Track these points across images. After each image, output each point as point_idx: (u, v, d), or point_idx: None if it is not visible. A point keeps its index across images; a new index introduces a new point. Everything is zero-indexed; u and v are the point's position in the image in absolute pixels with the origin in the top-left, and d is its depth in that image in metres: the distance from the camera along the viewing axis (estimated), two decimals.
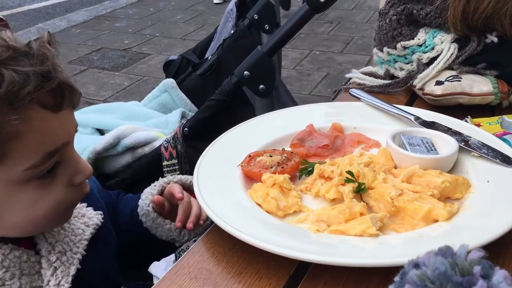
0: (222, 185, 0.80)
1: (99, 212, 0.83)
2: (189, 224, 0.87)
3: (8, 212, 0.66)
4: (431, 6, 1.10)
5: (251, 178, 0.82)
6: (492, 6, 0.97)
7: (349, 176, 0.75)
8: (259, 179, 0.80)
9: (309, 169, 0.83)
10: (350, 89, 1.08)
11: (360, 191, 0.74)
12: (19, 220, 0.67)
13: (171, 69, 2.10)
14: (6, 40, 0.62)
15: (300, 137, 0.90)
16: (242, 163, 0.84)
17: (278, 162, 0.83)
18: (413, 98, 1.16)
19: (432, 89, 1.03)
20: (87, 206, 0.83)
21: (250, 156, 0.85)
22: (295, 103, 1.79)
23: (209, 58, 1.75)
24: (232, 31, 1.76)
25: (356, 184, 0.75)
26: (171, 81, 1.65)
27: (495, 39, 1.03)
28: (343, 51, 4.62)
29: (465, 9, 1.01)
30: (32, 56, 0.62)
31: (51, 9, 6.13)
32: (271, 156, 0.85)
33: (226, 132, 0.93)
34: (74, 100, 0.68)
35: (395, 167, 0.82)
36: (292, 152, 0.86)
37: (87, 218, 0.80)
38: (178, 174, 1.15)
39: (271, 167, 0.82)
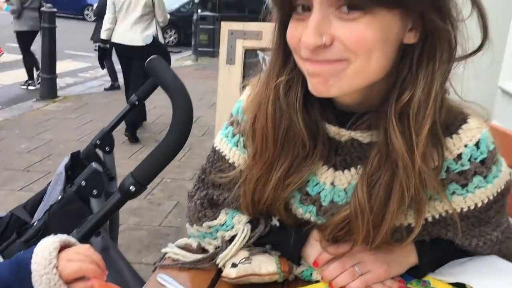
0: None
1: None
2: None
3: None
4: (229, 192, 1.28)
5: None
6: (270, 199, 1.18)
7: None
8: None
9: None
10: (158, 275, 1.17)
11: None
12: None
13: None
14: None
15: None
16: None
17: None
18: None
19: (228, 272, 1.17)
20: None
21: None
22: (131, 270, 1.78)
23: (35, 224, 1.73)
24: (60, 197, 1.78)
25: None
26: None
27: (277, 223, 1.23)
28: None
29: (252, 198, 1.21)
30: None
31: None
32: None
33: None
34: None
35: None
36: None
37: None
38: None
39: None
